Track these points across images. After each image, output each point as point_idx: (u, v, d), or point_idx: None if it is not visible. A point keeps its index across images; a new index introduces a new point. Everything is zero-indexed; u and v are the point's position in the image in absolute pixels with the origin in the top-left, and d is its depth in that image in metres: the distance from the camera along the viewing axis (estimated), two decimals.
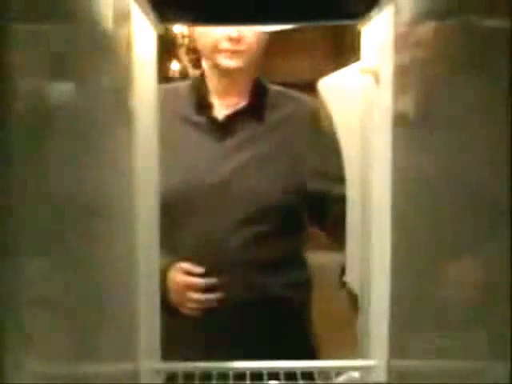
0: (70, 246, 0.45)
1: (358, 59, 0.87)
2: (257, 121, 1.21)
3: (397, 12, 0.70)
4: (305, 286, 1.26)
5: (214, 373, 0.81)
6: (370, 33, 0.83)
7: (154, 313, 0.85)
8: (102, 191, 0.56)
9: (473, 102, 0.47)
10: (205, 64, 1.25)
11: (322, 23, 0.89)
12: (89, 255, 0.51)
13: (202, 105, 1.22)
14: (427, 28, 0.58)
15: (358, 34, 0.86)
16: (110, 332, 0.59)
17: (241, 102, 1.23)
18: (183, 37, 4.21)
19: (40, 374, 0.38)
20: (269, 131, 1.20)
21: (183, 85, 1.30)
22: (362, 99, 0.87)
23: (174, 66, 4.12)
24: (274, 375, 0.83)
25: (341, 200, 0.93)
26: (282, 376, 0.83)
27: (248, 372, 0.81)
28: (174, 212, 1.10)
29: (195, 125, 1.21)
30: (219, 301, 1.11)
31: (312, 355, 1.23)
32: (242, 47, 1.17)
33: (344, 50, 3.41)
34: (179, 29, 3.85)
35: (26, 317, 0.36)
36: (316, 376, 0.83)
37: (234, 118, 1.21)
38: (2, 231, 0.32)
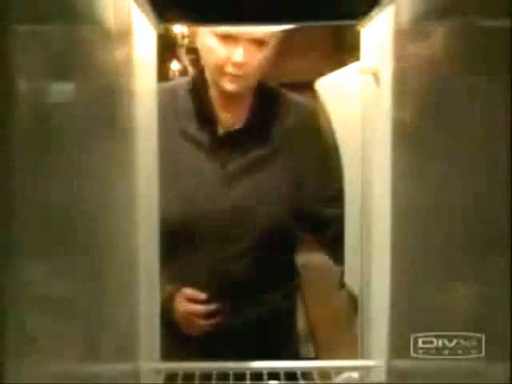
0: (71, 247, 0.45)
1: (357, 59, 0.87)
2: (258, 139, 1.16)
3: (397, 12, 0.70)
4: (297, 289, 1.32)
5: (214, 373, 0.81)
6: (369, 33, 0.83)
7: (154, 313, 0.85)
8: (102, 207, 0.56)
9: (473, 102, 0.47)
10: (207, 75, 1.18)
11: (322, 23, 0.89)
12: (90, 257, 0.51)
13: (203, 116, 1.17)
14: (427, 28, 0.58)
15: (358, 34, 0.86)
16: (110, 332, 0.59)
17: (242, 114, 1.17)
18: (183, 37, 4.21)
19: (40, 373, 0.38)
20: (271, 150, 1.16)
21: (182, 85, 1.22)
22: (361, 99, 0.87)
23: (174, 66, 4.13)
24: (274, 375, 0.83)
25: (341, 220, 0.93)
26: (282, 376, 0.83)
27: (248, 372, 0.81)
28: (175, 238, 1.09)
29: (196, 142, 1.15)
30: (221, 324, 1.13)
31: (296, 356, 1.28)
32: (246, 72, 1.10)
33: (344, 50, 3.41)
34: (179, 29, 3.86)
35: (27, 317, 0.36)
36: (316, 376, 0.83)
37: (235, 136, 1.16)
38: (3, 233, 0.32)
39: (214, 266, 1.13)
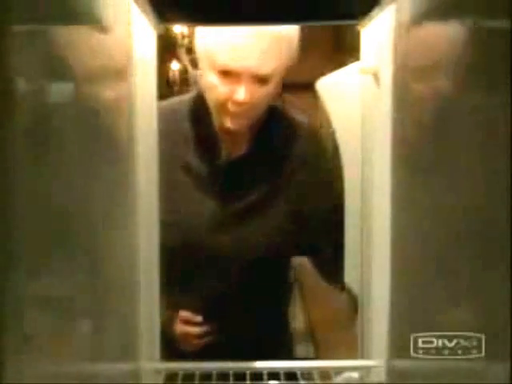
0: (71, 247, 0.45)
1: (357, 59, 0.87)
2: (261, 168, 1.12)
3: (397, 12, 0.70)
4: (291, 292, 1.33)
5: (214, 373, 0.81)
6: (369, 33, 0.83)
7: (154, 313, 0.85)
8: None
9: (473, 102, 0.47)
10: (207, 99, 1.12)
11: (322, 23, 0.89)
12: (90, 257, 0.51)
13: (203, 143, 1.13)
14: (427, 28, 0.58)
15: (358, 34, 0.86)
16: (110, 332, 0.59)
17: (245, 136, 1.13)
18: (183, 37, 4.21)
19: (40, 373, 0.38)
20: (273, 180, 1.13)
21: (182, 107, 1.16)
22: (361, 99, 0.87)
23: (174, 66, 4.13)
24: (273, 375, 0.83)
25: (340, 247, 0.93)
26: (282, 376, 0.83)
27: (248, 372, 0.81)
28: (175, 266, 1.08)
29: (195, 173, 1.12)
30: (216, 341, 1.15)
31: (290, 355, 1.29)
32: (248, 110, 1.06)
33: (344, 50, 3.41)
34: (179, 29, 3.86)
35: (26, 317, 0.36)
36: (316, 376, 0.83)
37: (237, 166, 1.12)
38: (3, 232, 0.32)
39: (212, 292, 1.14)
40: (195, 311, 1.14)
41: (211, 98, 1.08)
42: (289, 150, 1.14)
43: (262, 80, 1.03)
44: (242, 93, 1.02)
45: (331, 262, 1.08)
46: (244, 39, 1.00)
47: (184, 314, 1.14)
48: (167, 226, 0.89)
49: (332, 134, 0.97)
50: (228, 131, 1.09)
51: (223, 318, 1.14)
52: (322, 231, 1.13)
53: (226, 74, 1.02)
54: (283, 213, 1.13)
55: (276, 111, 1.15)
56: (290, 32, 1.04)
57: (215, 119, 1.11)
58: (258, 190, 1.12)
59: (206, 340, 1.13)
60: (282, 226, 1.13)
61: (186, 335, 1.13)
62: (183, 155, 1.12)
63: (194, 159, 1.12)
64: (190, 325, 1.14)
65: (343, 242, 0.93)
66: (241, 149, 1.13)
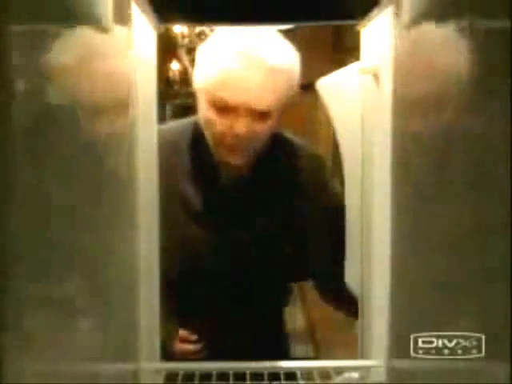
0: (71, 247, 0.45)
1: (357, 59, 0.87)
2: (260, 196, 1.11)
3: (397, 12, 0.70)
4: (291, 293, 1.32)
5: (214, 373, 0.81)
6: (369, 33, 0.83)
7: (154, 313, 0.85)
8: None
9: (473, 102, 0.47)
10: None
11: (322, 23, 0.89)
12: (90, 258, 0.51)
13: (202, 176, 1.10)
14: (427, 28, 0.58)
15: (358, 34, 0.86)
16: (110, 332, 0.59)
17: (246, 161, 1.09)
18: (183, 37, 4.22)
19: (40, 374, 0.38)
20: (274, 210, 1.11)
21: (183, 136, 1.12)
22: (361, 99, 0.87)
23: (174, 66, 4.13)
24: (273, 375, 0.83)
25: (341, 275, 0.92)
26: (282, 376, 0.83)
27: (248, 372, 0.81)
28: (175, 288, 1.07)
29: (194, 207, 1.10)
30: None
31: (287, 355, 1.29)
32: (248, 144, 1.03)
33: (344, 50, 3.41)
34: (179, 29, 3.86)
35: (26, 317, 0.36)
36: (316, 376, 0.83)
37: (237, 199, 1.11)
38: (3, 232, 0.32)
39: (212, 314, 1.14)
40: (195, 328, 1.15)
41: (209, 132, 1.05)
42: (289, 175, 1.13)
43: (261, 115, 1.00)
44: (240, 127, 0.99)
45: (334, 287, 1.06)
46: (240, 73, 0.97)
47: (182, 332, 1.15)
48: (167, 253, 0.88)
49: (333, 157, 0.96)
50: (227, 164, 1.07)
51: (222, 320, 1.14)
52: (324, 256, 1.11)
53: (223, 108, 1.00)
54: (284, 239, 1.11)
55: (275, 136, 1.11)
56: (290, 64, 1.01)
57: (214, 152, 1.08)
58: (258, 216, 1.11)
59: (200, 356, 1.14)
60: (283, 252, 1.12)
61: (184, 353, 1.14)
62: (182, 186, 1.10)
63: (192, 190, 1.10)
64: (187, 343, 1.15)
65: (344, 267, 0.92)
66: (240, 175, 1.11)
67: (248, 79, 0.97)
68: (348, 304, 0.95)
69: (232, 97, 0.98)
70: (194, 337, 1.15)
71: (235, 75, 0.98)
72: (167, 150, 1.02)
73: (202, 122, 1.07)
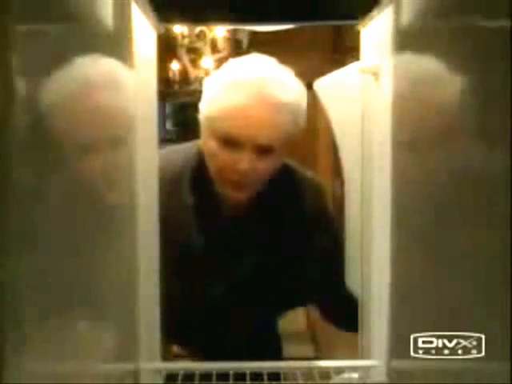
0: (71, 246, 0.45)
1: (357, 59, 0.87)
2: (262, 227, 1.09)
3: (397, 12, 0.70)
4: None
5: (214, 373, 0.81)
6: (369, 33, 0.83)
7: (154, 313, 0.85)
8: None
9: (472, 102, 0.47)
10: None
11: (322, 23, 0.89)
12: (90, 257, 0.51)
13: (205, 210, 1.08)
14: (427, 28, 0.58)
15: (358, 34, 0.86)
16: (110, 332, 0.59)
17: (250, 192, 1.06)
18: (183, 37, 4.21)
19: (40, 374, 0.38)
20: (275, 239, 1.10)
21: (186, 167, 1.09)
22: (362, 99, 0.87)
23: (174, 66, 4.13)
24: (273, 375, 0.83)
25: (348, 297, 0.92)
26: (282, 376, 0.83)
27: (248, 372, 0.81)
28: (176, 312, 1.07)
29: (195, 241, 1.08)
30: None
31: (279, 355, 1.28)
32: (251, 180, 1.01)
33: (344, 50, 3.41)
34: (179, 29, 3.86)
35: (26, 317, 0.36)
36: (316, 376, 0.83)
37: (238, 225, 1.09)
38: (2, 232, 0.32)
39: (213, 332, 1.14)
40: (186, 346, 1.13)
41: (212, 165, 1.03)
42: (291, 207, 1.11)
43: (264, 150, 0.98)
44: (243, 162, 0.97)
45: (340, 312, 1.08)
46: (245, 108, 0.96)
47: (175, 349, 1.14)
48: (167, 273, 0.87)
49: (336, 187, 0.96)
50: (229, 199, 1.05)
51: (223, 322, 1.14)
52: (324, 284, 1.11)
53: (227, 142, 0.98)
54: (284, 269, 1.10)
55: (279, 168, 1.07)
56: (298, 100, 1.00)
57: (216, 186, 1.05)
58: (257, 249, 1.09)
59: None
60: (282, 283, 1.10)
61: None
62: (182, 216, 1.08)
63: (192, 220, 1.08)
64: (179, 357, 1.14)
65: (346, 293, 0.92)
66: (241, 207, 1.09)
67: (254, 114, 0.96)
68: (348, 321, 0.94)
69: (234, 130, 0.97)
70: (185, 352, 1.13)
71: (242, 109, 0.96)
72: (168, 177, 1.01)
73: (204, 150, 1.05)
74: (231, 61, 1.03)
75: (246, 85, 0.97)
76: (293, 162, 1.14)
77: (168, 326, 0.88)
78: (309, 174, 1.18)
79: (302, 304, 1.27)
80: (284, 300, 1.15)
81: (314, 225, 1.11)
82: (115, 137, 0.62)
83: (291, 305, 1.22)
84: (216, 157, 1.00)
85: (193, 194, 1.08)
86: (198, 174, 1.07)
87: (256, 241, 1.10)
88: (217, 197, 1.07)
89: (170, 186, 1.03)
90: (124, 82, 0.66)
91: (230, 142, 0.98)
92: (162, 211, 0.85)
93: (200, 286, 1.09)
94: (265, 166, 1.00)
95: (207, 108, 1.01)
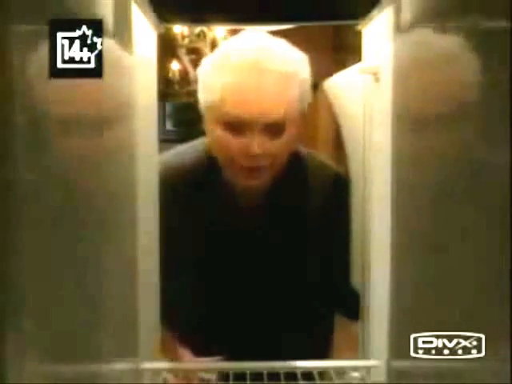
0: (71, 246, 0.45)
1: (358, 59, 0.87)
2: (278, 220, 1.04)
3: (397, 12, 0.70)
4: None
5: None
6: (370, 33, 0.83)
7: (154, 313, 0.85)
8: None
9: (473, 101, 0.47)
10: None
11: (322, 23, 0.89)
12: (90, 257, 0.51)
13: (215, 210, 1.04)
14: (427, 28, 0.58)
15: (359, 34, 0.86)
16: (110, 332, 0.59)
17: (265, 183, 1.01)
18: (183, 37, 4.21)
19: (40, 373, 0.38)
20: (291, 233, 1.05)
21: (187, 173, 1.04)
22: (362, 99, 0.87)
23: (174, 66, 4.13)
24: (273, 375, 0.83)
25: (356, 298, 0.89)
26: (282, 376, 0.83)
27: (248, 372, 0.81)
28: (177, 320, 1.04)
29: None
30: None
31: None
32: (263, 164, 0.95)
33: (344, 50, 3.41)
34: (179, 29, 3.86)
35: (26, 316, 0.36)
36: (316, 376, 0.83)
37: (252, 220, 1.04)
38: (2, 232, 0.32)
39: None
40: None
41: (221, 156, 0.97)
42: (309, 198, 1.05)
43: (274, 130, 0.92)
44: (253, 146, 0.91)
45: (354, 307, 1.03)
46: (244, 85, 0.90)
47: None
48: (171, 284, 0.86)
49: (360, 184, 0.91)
50: (243, 190, 1.00)
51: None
52: (342, 279, 1.03)
53: (233, 127, 0.92)
54: (304, 264, 1.05)
55: (294, 156, 1.02)
56: (297, 69, 0.94)
57: (228, 179, 1.00)
58: (275, 243, 1.04)
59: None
60: (305, 277, 1.06)
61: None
62: (197, 218, 1.03)
63: (207, 222, 1.03)
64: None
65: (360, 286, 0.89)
66: (256, 200, 1.04)
67: (256, 89, 0.90)
68: (350, 304, 0.93)
69: (241, 111, 0.91)
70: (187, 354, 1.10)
71: (242, 87, 0.91)
72: (180, 176, 0.99)
73: (211, 142, 0.99)
74: (222, 43, 1.00)
75: (241, 61, 0.91)
76: (315, 152, 1.10)
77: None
78: (333, 165, 1.12)
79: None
80: (306, 294, 1.09)
81: (331, 219, 1.05)
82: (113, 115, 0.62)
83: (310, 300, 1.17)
84: (224, 146, 0.94)
85: (205, 190, 1.04)
86: (210, 170, 1.02)
87: (272, 234, 1.04)
88: (230, 188, 1.02)
89: (182, 185, 1.01)
90: (124, 81, 0.66)
91: (236, 126, 0.92)
92: (176, 210, 0.84)
93: (217, 282, 1.05)
94: (277, 149, 0.94)
95: (206, 96, 0.96)
